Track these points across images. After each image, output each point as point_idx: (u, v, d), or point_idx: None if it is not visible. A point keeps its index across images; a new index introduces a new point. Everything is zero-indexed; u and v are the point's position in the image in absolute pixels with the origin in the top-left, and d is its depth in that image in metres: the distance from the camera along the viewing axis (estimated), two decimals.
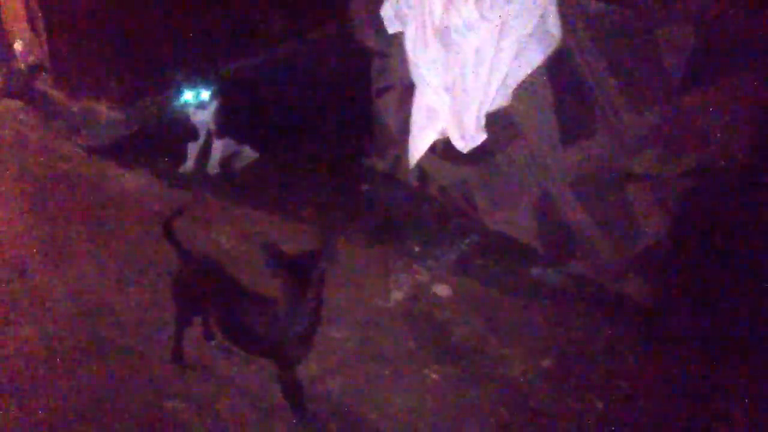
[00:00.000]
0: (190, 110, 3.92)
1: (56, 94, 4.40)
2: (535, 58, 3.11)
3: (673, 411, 2.84)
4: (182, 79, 3.84)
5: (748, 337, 3.04)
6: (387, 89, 3.88)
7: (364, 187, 4.06)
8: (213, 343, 3.02)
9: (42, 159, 4.26)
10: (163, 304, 3.13)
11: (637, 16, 2.83)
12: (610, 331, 3.15)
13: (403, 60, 3.56)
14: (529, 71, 3.15)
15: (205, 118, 3.94)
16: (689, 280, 3.19)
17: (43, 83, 4.49)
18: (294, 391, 2.74)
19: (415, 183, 3.95)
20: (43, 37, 4.34)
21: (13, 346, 3.06)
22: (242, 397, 2.86)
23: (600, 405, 2.83)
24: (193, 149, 4.07)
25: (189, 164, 4.09)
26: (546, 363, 3.02)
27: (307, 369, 2.87)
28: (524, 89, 3.22)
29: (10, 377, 2.92)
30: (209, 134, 4.02)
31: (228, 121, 3.96)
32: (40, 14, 4.27)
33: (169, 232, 2.83)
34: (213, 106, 3.90)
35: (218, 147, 4.06)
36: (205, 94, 3.84)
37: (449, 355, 3.05)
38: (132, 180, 4.10)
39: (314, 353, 2.73)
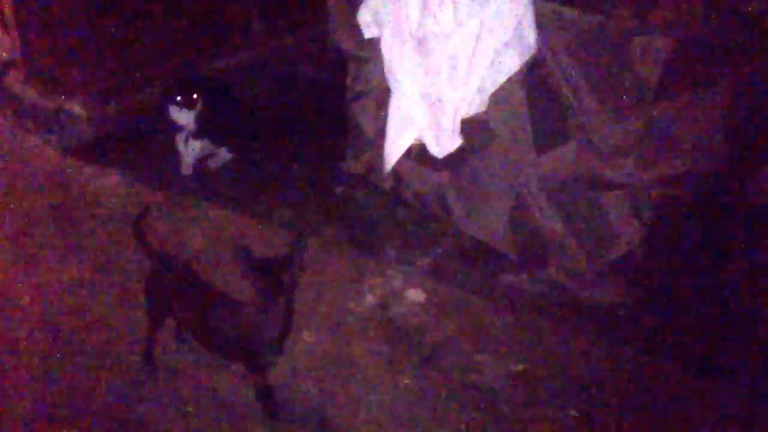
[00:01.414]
0: (172, 112, 3.89)
1: (28, 92, 4.33)
2: (512, 65, 3.12)
3: (647, 419, 2.86)
4: (163, 81, 3.82)
5: (722, 342, 3.08)
6: (363, 93, 3.88)
7: (338, 190, 4.05)
8: (185, 346, 2.99)
9: (13, 158, 4.21)
10: (134, 305, 3.11)
11: (612, 25, 2.85)
12: (583, 338, 3.17)
13: (380, 65, 3.56)
14: (505, 78, 3.16)
15: (184, 119, 3.91)
16: (662, 287, 3.23)
17: (15, 81, 4.42)
18: (266, 395, 2.73)
19: (389, 187, 3.95)
20: (14, 32, 4.27)
21: None
22: (214, 400, 2.84)
23: (573, 412, 2.84)
24: (183, 150, 4.03)
25: (187, 164, 4.06)
26: (519, 368, 3.02)
27: (279, 373, 2.86)
28: (500, 96, 3.24)
29: None
30: (187, 135, 3.98)
31: (205, 122, 3.92)
32: (10, 8, 4.20)
33: (138, 233, 2.81)
34: (192, 108, 3.86)
35: (194, 148, 4.03)
36: (186, 96, 3.82)
37: (422, 360, 3.05)
38: (105, 180, 4.05)
39: (286, 356, 2.73)
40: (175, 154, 4.10)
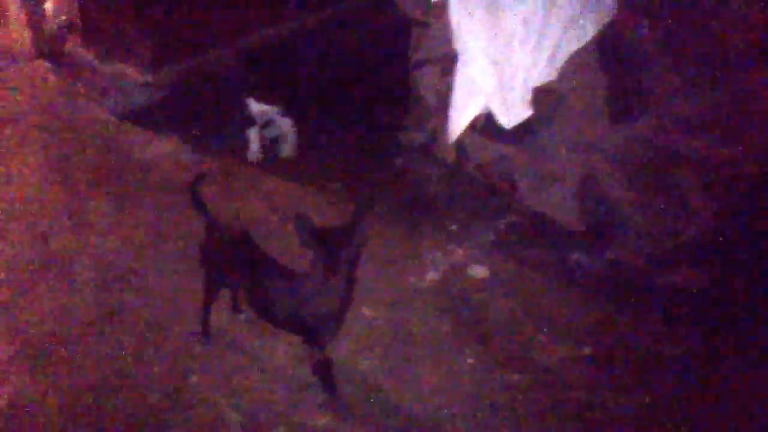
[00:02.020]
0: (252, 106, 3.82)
1: (86, 56, 4.29)
2: (587, 30, 2.98)
3: (722, 407, 2.71)
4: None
5: None
6: (426, 61, 3.74)
7: (398, 161, 3.92)
8: (242, 316, 2.92)
9: (69, 123, 4.17)
10: (187, 273, 3.05)
11: None
12: (653, 321, 3.02)
13: (445, 30, 3.43)
14: (579, 45, 3.02)
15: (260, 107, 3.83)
16: (737, 270, 3.05)
17: (73, 44, 4.38)
18: (324, 370, 2.64)
19: (452, 159, 3.81)
20: None
21: (34, 315, 2.98)
22: (270, 373, 2.77)
23: (646, 399, 2.71)
24: (254, 135, 3.92)
25: (254, 150, 3.95)
26: (585, 351, 2.90)
27: (338, 348, 2.77)
28: (574, 64, 3.08)
29: (30, 346, 2.85)
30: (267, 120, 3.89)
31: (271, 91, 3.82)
32: None
33: (195, 199, 2.73)
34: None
35: (257, 135, 3.92)
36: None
37: (484, 338, 2.94)
38: (160, 146, 4.00)
39: (345, 332, 2.63)
40: (241, 137, 3.98)
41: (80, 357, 2.81)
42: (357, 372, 2.78)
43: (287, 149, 3.95)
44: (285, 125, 3.90)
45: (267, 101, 3.85)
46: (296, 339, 2.68)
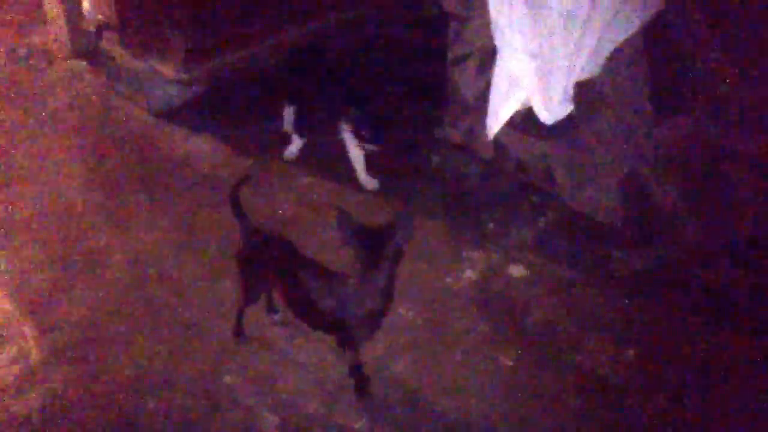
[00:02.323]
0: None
1: (122, 54, 4.28)
2: (632, 23, 2.89)
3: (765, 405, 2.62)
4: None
5: None
6: (464, 56, 3.66)
7: (435, 159, 3.86)
8: (276, 317, 2.88)
9: (105, 121, 4.19)
10: (225, 273, 3.03)
11: None
12: (699, 323, 2.92)
13: (484, 25, 3.35)
14: (624, 38, 2.93)
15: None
16: None
17: (110, 43, 4.39)
18: (359, 371, 2.59)
19: (490, 157, 3.73)
20: None
21: (68, 311, 2.98)
22: (305, 374, 2.73)
23: (689, 402, 2.62)
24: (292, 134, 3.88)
25: (293, 150, 3.90)
26: (628, 353, 2.81)
27: (373, 348, 2.72)
28: (617, 57, 3.00)
29: (65, 346, 2.84)
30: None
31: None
32: None
33: (234, 203, 2.68)
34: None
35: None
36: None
37: (523, 339, 2.87)
38: (196, 144, 3.98)
39: (381, 332, 2.58)
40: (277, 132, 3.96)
41: (115, 357, 2.80)
42: (392, 373, 2.74)
43: (289, 153, 3.90)
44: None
45: (303, 99, 3.80)
46: (331, 340, 2.64)
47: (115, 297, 3.05)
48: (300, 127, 3.81)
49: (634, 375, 2.74)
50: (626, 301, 3.02)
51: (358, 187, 3.65)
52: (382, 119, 3.54)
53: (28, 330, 2.90)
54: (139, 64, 4.23)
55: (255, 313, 2.86)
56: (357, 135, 3.50)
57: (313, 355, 2.78)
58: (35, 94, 4.41)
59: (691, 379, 2.72)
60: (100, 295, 3.06)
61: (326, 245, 3.04)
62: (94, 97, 4.36)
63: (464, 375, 2.73)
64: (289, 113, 3.85)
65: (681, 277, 3.12)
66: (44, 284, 3.11)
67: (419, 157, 3.90)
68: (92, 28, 4.52)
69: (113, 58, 4.35)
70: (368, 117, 3.50)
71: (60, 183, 3.69)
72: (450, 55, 3.73)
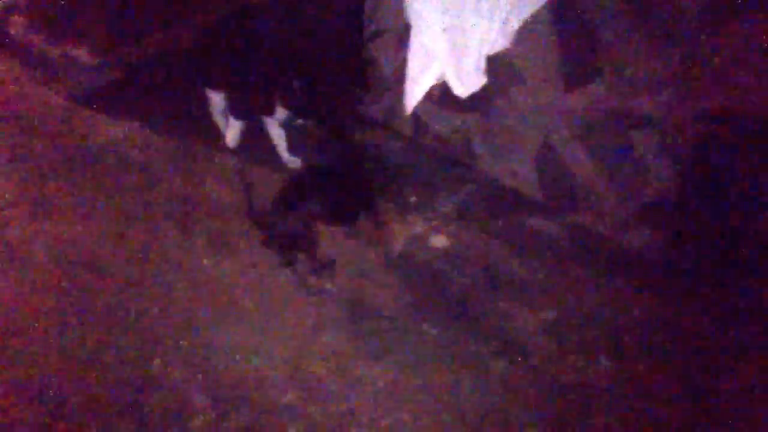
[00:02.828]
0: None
1: (33, 39, 4.18)
2: None
3: (680, 368, 2.76)
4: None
5: (757, 295, 2.94)
6: (381, 32, 3.70)
7: (357, 135, 3.89)
8: None
9: (20, 109, 4.07)
10: (152, 257, 3.04)
11: None
12: (613, 285, 3.06)
13: (398, 0, 3.38)
14: (533, 9, 2.99)
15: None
16: (697, 233, 3.08)
17: (18, 27, 4.26)
18: None
19: (410, 131, 3.79)
20: None
21: None
22: (237, 354, 2.75)
23: (605, 362, 2.74)
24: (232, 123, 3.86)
25: (234, 135, 3.85)
26: (547, 316, 2.92)
27: (302, 322, 2.76)
28: (527, 29, 3.06)
29: None
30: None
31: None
32: None
33: None
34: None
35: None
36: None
37: (448, 308, 2.95)
38: (117, 130, 3.91)
39: (306, 304, 2.62)
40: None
41: (41, 349, 2.76)
42: (321, 346, 2.79)
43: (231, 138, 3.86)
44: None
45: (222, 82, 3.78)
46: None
47: (41, 287, 3.00)
48: (237, 109, 3.76)
49: (554, 338, 2.84)
50: (545, 268, 3.13)
51: (279, 166, 3.66)
52: (315, 93, 3.54)
53: None
54: (52, 50, 4.13)
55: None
56: (296, 108, 3.49)
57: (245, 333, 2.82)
58: None
59: (607, 340, 2.84)
60: (25, 286, 3.00)
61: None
62: (6, 85, 4.23)
63: (391, 345, 2.80)
64: (215, 99, 3.80)
65: (597, 243, 3.24)
66: None
67: (341, 134, 3.91)
68: (0, 11, 4.39)
69: (24, 44, 4.23)
70: (307, 90, 3.49)
71: None
72: (366, 31, 3.76)
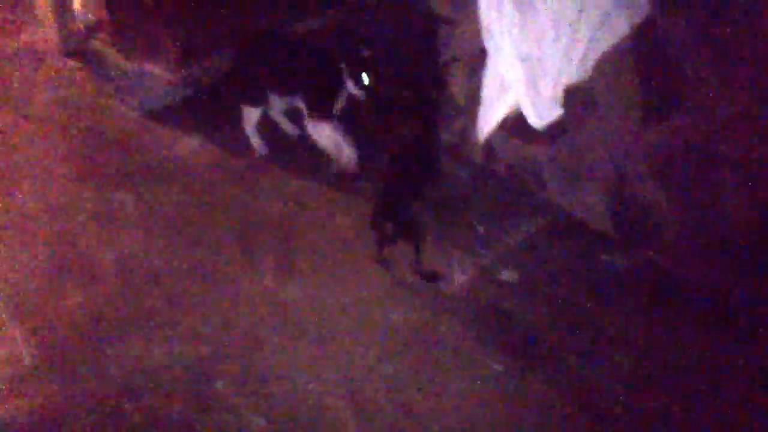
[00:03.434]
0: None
1: (112, 54, 4.26)
2: (621, 26, 2.89)
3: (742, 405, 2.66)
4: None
5: None
6: (454, 59, 3.66)
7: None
8: None
9: (94, 121, 4.14)
10: (215, 274, 3.04)
11: None
12: (689, 326, 2.93)
13: (474, 27, 3.34)
14: (613, 41, 2.93)
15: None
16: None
17: (100, 43, 4.36)
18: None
19: (481, 160, 3.73)
20: None
21: (60, 315, 2.96)
22: (297, 381, 2.73)
23: (678, 409, 2.62)
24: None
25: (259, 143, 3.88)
26: (618, 359, 2.82)
27: (365, 354, 2.73)
28: (606, 61, 3.00)
29: (56, 347, 2.83)
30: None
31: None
32: None
33: None
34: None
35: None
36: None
37: (514, 344, 2.88)
38: (186, 145, 3.95)
39: (371, 336, 2.58)
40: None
41: (106, 360, 2.79)
42: (383, 377, 2.74)
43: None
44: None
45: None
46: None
47: (106, 300, 3.03)
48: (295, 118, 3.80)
49: (623, 378, 2.74)
50: (617, 305, 3.03)
51: (350, 188, 3.63)
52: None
53: (19, 333, 2.88)
54: (129, 65, 4.21)
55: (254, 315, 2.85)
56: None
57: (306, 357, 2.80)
58: (23, 94, 4.37)
59: (688, 382, 2.74)
60: (91, 296, 3.04)
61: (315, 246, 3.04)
62: (84, 98, 4.32)
63: (455, 380, 2.74)
64: (250, 113, 3.81)
65: (671, 281, 3.13)
66: (34, 287, 3.09)
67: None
68: (83, 28, 4.50)
69: (104, 59, 4.32)
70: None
71: (50, 185, 3.66)
72: (441, 58, 3.73)
